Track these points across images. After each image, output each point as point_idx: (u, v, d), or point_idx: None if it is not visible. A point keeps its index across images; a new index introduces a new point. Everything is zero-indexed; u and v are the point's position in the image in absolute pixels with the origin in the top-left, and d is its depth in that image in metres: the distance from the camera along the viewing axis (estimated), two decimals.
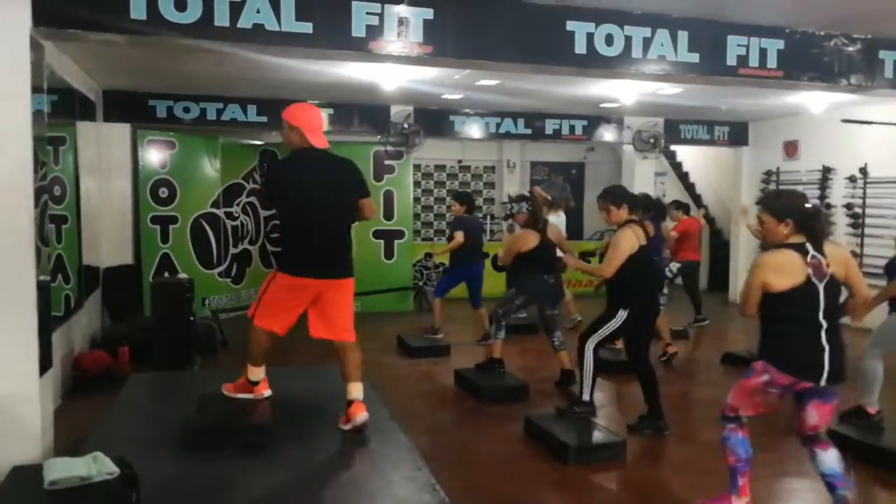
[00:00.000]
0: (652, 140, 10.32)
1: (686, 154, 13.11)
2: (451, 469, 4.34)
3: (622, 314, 4.89)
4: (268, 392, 4.18)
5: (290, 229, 3.90)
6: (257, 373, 4.12)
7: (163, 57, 6.18)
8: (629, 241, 4.88)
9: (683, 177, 13.11)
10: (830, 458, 3.44)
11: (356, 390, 3.88)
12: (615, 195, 5.06)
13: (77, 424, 4.50)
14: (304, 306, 3.90)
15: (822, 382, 3.32)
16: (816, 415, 3.43)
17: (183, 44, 3.98)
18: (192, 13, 3.72)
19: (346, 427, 3.82)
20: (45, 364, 3.66)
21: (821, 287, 3.29)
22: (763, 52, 5.07)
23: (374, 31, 4.11)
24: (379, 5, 4.10)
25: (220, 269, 9.19)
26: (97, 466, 2.94)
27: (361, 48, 4.13)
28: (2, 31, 3.37)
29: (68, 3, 3.57)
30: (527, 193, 6.63)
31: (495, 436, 5.09)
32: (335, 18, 4.04)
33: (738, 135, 10.96)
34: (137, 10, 3.64)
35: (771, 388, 3.40)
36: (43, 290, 3.68)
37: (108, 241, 7.75)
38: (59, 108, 5.60)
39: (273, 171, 4.04)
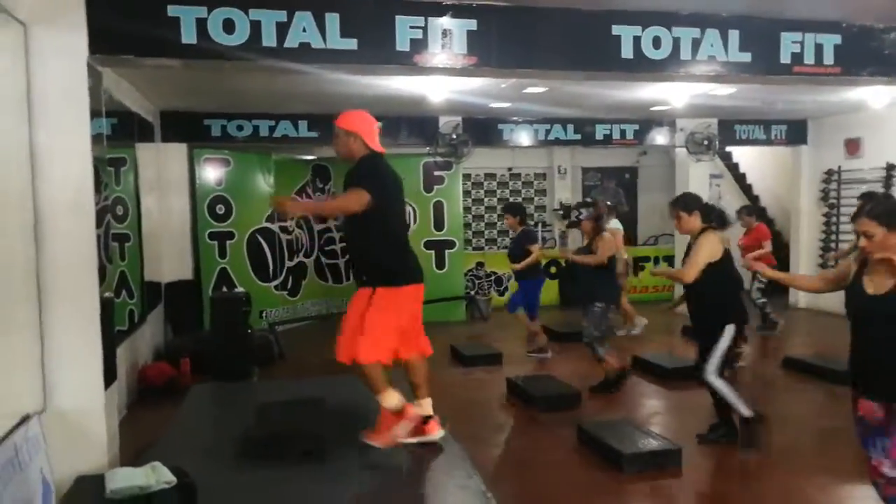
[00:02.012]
0: (706, 142, 10.10)
1: (742, 155, 12.79)
2: (504, 477, 4.34)
3: (730, 330, 4.55)
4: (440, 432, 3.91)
5: (394, 236, 3.75)
6: (396, 397, 3.78)
7: (215, 77, 6.37)
8: (712, 244, 4.58)
9: (740, 178, 12.78)
10: None
11: (429, 405, 3.87)
12: (686, 202, 4.81)
13: (142, 434, 4.65)
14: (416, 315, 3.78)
15: None
16: None
17: (233, 65, 4.09)
18: (240, 35, 3.83)
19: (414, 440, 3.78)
20: (109, 377, 3.80)
21: None
22: (819, 49, 4.92)
23: (419, 45, 4.15)
24: (422, 18, 4.14)
25: (276, 282, 9.38)
26: (156, 476, 3.06)
27: (406, 62, 4.18)
28: (60, 60, 3.53)
29: (122, 30, 3.71)
30: (589, 200, 6.58)
31: (547, 444, 5.05)
32: (379, 33, 4.10)
33: (796, 133, 10.63)
34: (188, 35, 3.76)
35: None
36: (107, 306, 3.82)
37: (168, 258, 8.00)
38: (119, 131, 5.82)
39: (373, 172, 3.68)
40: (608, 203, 7.60)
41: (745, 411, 4.63)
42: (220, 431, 4.19)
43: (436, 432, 3.87)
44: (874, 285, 3.04)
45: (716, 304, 4.61)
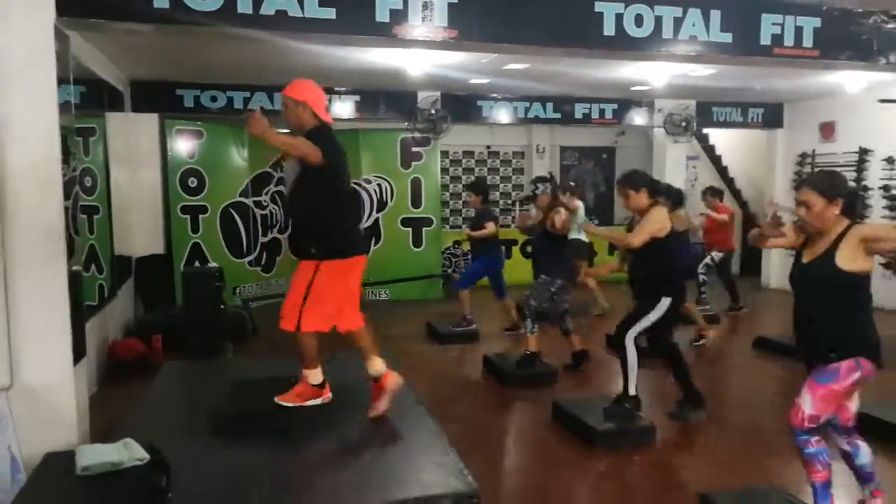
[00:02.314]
0: (683, 123, 10.14)
1: (719, 137, 12.86)
2: (480, 454, 4.34)
3: (665, 302, 4.65)
4: (329, 394, 3.93)
5: (342, 207, 3.66)
6: (318, 374, 3.86)
7: (188, 46, 6.21)
8: (662, 217, 4.67)
9: (716, 160, 12.86)
10: (866, 449, 3.32)
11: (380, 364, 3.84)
12: (633, 179, 4.78)
13: (112, 411, 4.57)
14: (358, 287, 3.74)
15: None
16: (858, 400, 3.31)
17: (206, 31, 3.97)
18: (215, 0, 3.71)
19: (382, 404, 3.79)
20: (78, 353, 3.71)
21: None
22: (798, 31, 4.93)
23: (398, 16, 4.07)
24: None
25: (250, 258, 9.27)
26: (128, 452, 3.01)
27: (385, 33, 4.10)
28: (25, 22, 3.39)
29: None
30: (546, 175, 6.53)
31: (523, 421, 5.07)
32: (359, 3, 4.01)
33: (772, 117, 10.71)
34: None
35: (856, 384, 3.17)
36: (75, 280, 3.72)
37: (139, 231, 7.85)
38: (88, 100, 5.65)
39: (327, 139, 3.60)
40: (571, 183, 7.60)
41: (632, 389, 4.74)
42: (192, 409, 4.12)
43: (394, 381, 3.87)
44: (809, 254, 3.19)
45: (656, 277, 4.71)
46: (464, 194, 7.48)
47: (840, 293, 3.10)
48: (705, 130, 12.26)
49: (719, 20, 4.75)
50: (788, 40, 4.91)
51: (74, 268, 3.75)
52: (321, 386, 3.88)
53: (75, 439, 3.63)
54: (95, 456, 2.98)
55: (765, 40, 4.88)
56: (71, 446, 3.50)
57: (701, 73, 7.78)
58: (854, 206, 3.22)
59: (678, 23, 4.66)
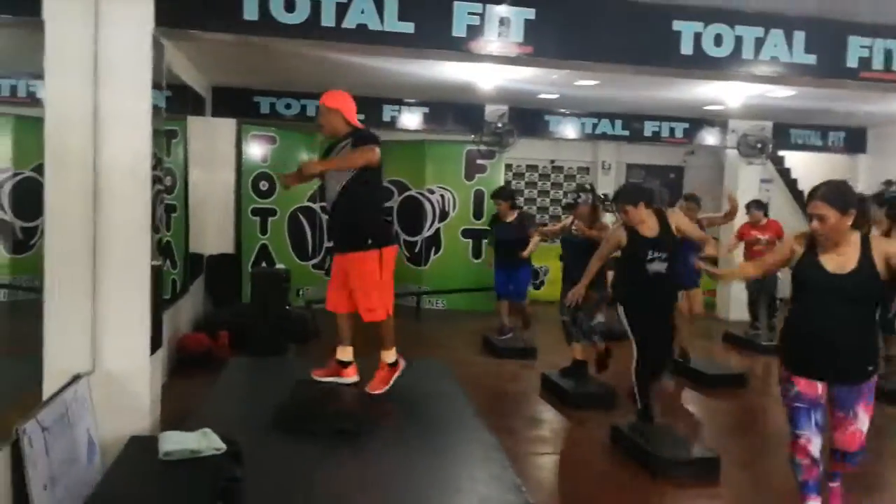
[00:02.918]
0: (759, 145, 9.89)
1: (795, 160, 12.48)
2: (535, 471, 4.33)
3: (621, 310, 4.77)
4: (355, 378, 4.26)
5: (384, 200, 4.03)
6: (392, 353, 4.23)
7: (268, 55, 6.42)
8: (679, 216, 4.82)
9: (791, 184, 12.48)
10: None
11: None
12: (628, 195, 4.70)
13: (180, 400, 4.74)
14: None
15: None
16: None
17: (290, 43, 4.12)
18: (301, 14, 3.86)
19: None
20: (155, 343, 3.88)
21: None
22: (888, 54, 4.76)
23: (475, 31, 4.13)
24: (480, 5, 4.11)
25: (315, 261, 9.48)
26: (206, 441, 3.16)
27: (461, 48, 4.16)
28: (127, 31, 3.59)
29: (187, 4, 3.77)
30: (588, 186, 6.50)
31: (581, 441, 5.03)
32: (437, 18, 4.08)
33: (855, 141, 10.34)
34: (250, 12, 3.80)
35: None
36: (156, 273, 3.90)
37: (212, 231, 8.13)
38: (174, 104, 5.91)
39: (369, 135, 4.04)
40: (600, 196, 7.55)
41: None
42: (257, 404, 4.23)
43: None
44: (834, 264, 3.14)
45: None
46: (492, 202, 7.79)
47: (871, 305, 3.15)
48: (781, 153, 11.94)
49: (803, 41, 4.63)
50: (877, 63, 4.75)
51: (155, 262, 3.92)
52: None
53: (148, 425, 3.79)
54: (177, 442, 3.14)
55: (851, 63, 4.73)
56: (144, 432, 3.67)
57: (779, 94, 7.61)
58: (865, 214, 3.21)
59: (759, 43, 4.58)
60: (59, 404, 3.07)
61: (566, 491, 4.20)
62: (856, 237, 3.13)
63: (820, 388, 3.21)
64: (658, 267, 4.58)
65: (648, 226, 4.61)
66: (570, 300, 5.10)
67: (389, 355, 4.20)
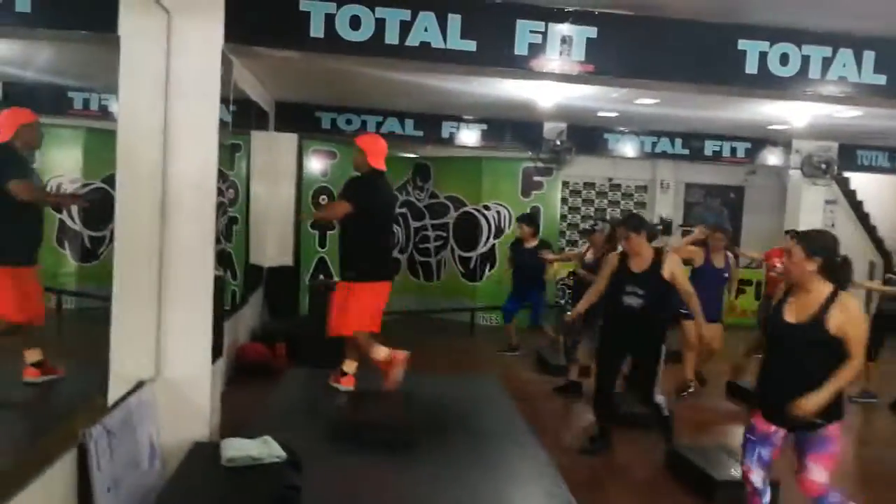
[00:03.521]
0: (824, 165, 9.61)
1: (861, 181, 12.08)
2: (589, 491, 4.27)
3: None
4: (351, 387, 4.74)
5: (373, 242, 4.67)
6: (384, 350, 4.65)
7: (331, 72, 6.56)
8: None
9: (856, 206, 12.09)
10: None
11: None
12: (634, 221, 4.93)
13: (238, 409, 4.83)
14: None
15: None
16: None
17: (354, 60, 4.21)
18: (366, 32, 3.93)
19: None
20: (216, 352, 3.98)
21: None
22: None
23: (537, 50, 4.14)
24: (543, 24, 4.12)
25: None
26: (267, 449, 3.24)
27: (523, 66, 4.17)
28: (198, 47, 3.72)
29: (256, 22, 3.89)
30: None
31: (635, 461, 4.94)
32: (499, 36, 4.10)
33: None
34: (316, 29, 3.89)
35: None
36: (219, 284, 4.00)
37: (272, 243, 8.30)
38: (239, 118, 6.07)
39: (361, 188, 4.62)
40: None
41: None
42: (312, 415, 4.31)
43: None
44: (793, 313, 3.26)
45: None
46: (514, 226, 8.26)
47: (829, 355, 3.15)
48: (847, 174, 11.57)
49: (872, 61, 4.50)
50: None
51: (218, 273, 4.03)
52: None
53: (208, 432, 3.87)
54: (239, 449, 3.23)
55: None
56: (204, 438, 3.76)
57: (846, 114, 7.39)
58: (838, 271, 3.24)
59: (827, 63, 4.46)
60: (124, 409, 3.17)
61: None
62: (827, 290, 3.20)
63: (773, 427, 3.38)
64: (631, 301, 4.74)
65: (641, 259, 4.78)
66: (568, 319, 5.44)
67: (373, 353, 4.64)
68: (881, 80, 4.53)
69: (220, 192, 4.01)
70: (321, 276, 8.69)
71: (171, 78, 3.67)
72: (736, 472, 4.38)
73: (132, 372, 3.59)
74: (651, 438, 5.25)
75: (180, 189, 3.74)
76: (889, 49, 4.51)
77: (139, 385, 3.52)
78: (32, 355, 3.92)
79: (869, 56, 4.49)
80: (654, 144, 9.66)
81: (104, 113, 5.89)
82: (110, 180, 3.71)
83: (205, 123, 3.77)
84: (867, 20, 4.32)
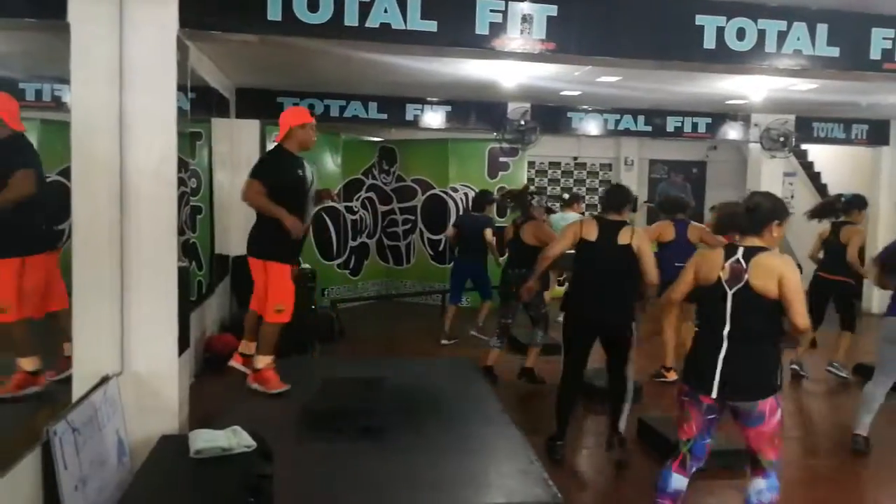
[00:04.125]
0: (782, 138, 9.78)
1: (818, 153, 12.35)
2: (561, 467, 4.32)
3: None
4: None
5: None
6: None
7: (293, 56, 6.46)
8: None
9: (814, 177, 12.35)
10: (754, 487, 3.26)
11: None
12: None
13: (208, 401, 4.80)
14: None
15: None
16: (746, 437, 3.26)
17: (314, 43, 4.15)
18: (324, 13, 3.87)
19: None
20: (183, 344, 3.92)
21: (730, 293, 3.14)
22: None
23: (498, 29, 4.12)
24: (503, 2, 4.10)
25: (340, 260, 9.52)
26: (237, 439, 3.20)
27: (484, 45, 4.15)
28: (152, 33, 3.62)
29: (211, 5, 3.80)
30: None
31: (606, 436, 5.00)
32: (459, 16, 4.08)
33: (878, 134, 10.19)
34: (274, 12, 3.82)
35: (682, 397, 3.33)
36: (183, 275, 3.94)
37: (237, 231, 8.16)
38: (198, 105, 5.97)
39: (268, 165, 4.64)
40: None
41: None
42: (283, 404, 4.29)
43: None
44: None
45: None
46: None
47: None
48: (804, 146, 11.80)
49: (826, 34, 4.59)
50: None
51: (182, 263, 3.96)
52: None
53: (177, 426, 3.83)
54: (207, 441, 3.19)
55: (875, 55, 4.68)
56: (173, 432, 3.71)
57: (802, 87, 7.51)
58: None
59: (782, 36, 4.53)
60: (89, 406, 3.11)
61: (592, 483, 4.18)
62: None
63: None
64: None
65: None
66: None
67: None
68: (835, 52, 4.62)
69: (181, 182, 3.94)
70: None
71: (126, 65, 3.58)
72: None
73: (96, 367, 3.54)
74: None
75: (139, 180, 3.66)
76: (842, 22, 4.59)
77: (104, 380, 3.46)
78: None
79: (822, 29, 4.57)
80: (617, 122, 9.72)
81: (58, 104, 5.74)
82: (66, 173, 3.63)
83: (162, 112, 3.69)
84: None
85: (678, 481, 3.37)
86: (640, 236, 4.46)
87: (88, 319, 3.63)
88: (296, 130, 4.53)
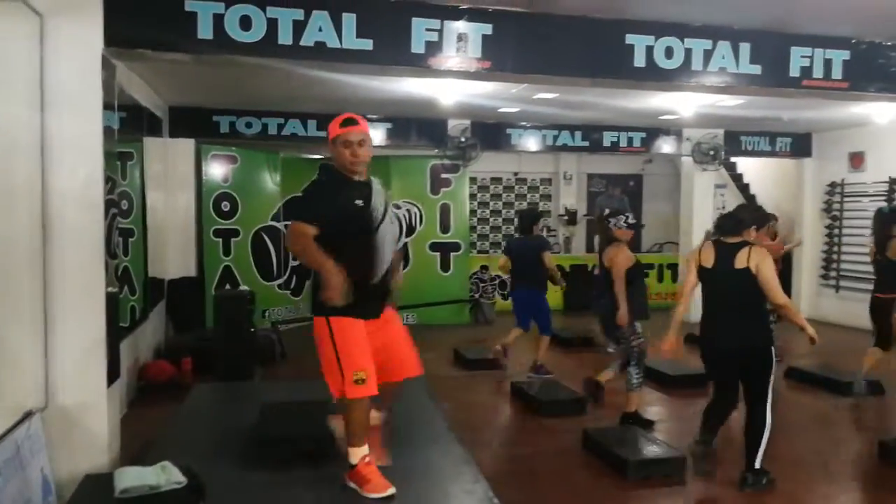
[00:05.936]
0: (711, 152, 10.12)
1: (747, 166, 12.78)
2: (508, 482, 4.30)
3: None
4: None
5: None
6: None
7: (227, 74, 6.35)
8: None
9: (744, 189, 12.76)
10: None
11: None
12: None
13: (142, 432, 4.62)
14: None
15: None
16: None
17: (247, 62, 4.08)
18: (257, 32, 3.82)
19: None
20: (112, 375, 3.77)
21: None
22: (828, 63, 4.95)
23: (434, 48, 4.14)
24: (438, 21, 4.13)
25: (280, 281, 9.36)
26: (166, 475, 3.05)
27: (420, 64, 4.17)
28: (75, 52, 3.52)
29: (138, 24, 3.70)
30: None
31: (552, 449, 5.03)
32: (395, 35, 4.09)
33: (801, 146, 10.66)
34: (204, 30, 3.75)
35: None
36: (111, 301, 3.80)
37: (172, 254, 7.97)
38: (128, 125, 5.80)
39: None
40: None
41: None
42: (222, 431, 4.16)
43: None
44: None
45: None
46: (503, 220, 7.73)
47: None
48: (733, 159, 12.21)
49: (748, 53, 4.77)
50: (818, 72, 4.93)
51: (111, 289, 3.82)
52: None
53: (107, 461, 3.67)
54: (134, 479, 3.04)
55: (794, 72, 4.90)
56: (103, 468, 3.56)
57: (729, 103, 7.78)
58: None
59: (708, 55, 4.69)
60: (10, 443, 2.96)
61: (538, 500, 4.18)
62: None
63: None
64: None
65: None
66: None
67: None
68: (756, 69, 4.82)
69: (111, 204, 3.81)
70: (227, 286, 8.42)
71: (47, 85, 3.47)
72: (648, 451, 4.57)
73: (18, 401, 3.37)
74: (566, 425, 5.36)
75: (63, 203, 3.53)
76: (763, 41, 4.80)
77: (27, 415, 3.30)
78: None
79: (745, 48, 4.77)
80: (555, 138, 9.87)
81: None
82: None
83: (86, 132, 3.58)
84: (743, 14, 4.57)
85: None
86: (757, 256, 4.12)
87: (9, 352, 3.45)
88: (333, 146, 3.40)
